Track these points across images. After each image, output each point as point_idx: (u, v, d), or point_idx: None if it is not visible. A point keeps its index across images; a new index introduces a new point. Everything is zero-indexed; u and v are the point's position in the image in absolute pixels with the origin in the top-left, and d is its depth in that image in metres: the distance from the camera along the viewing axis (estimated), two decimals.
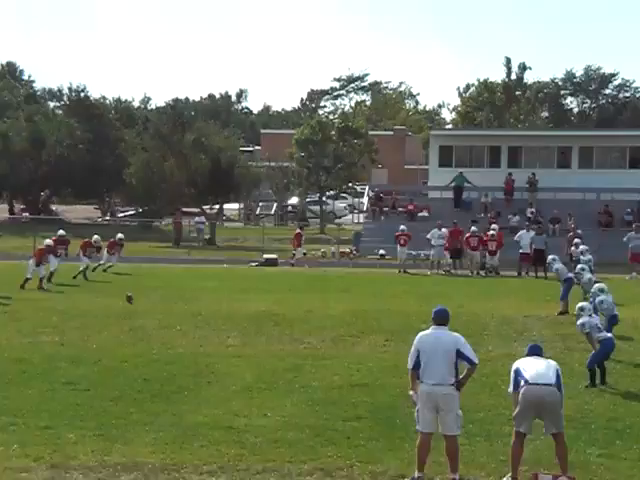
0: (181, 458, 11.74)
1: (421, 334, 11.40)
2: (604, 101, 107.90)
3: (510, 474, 11.04)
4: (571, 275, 26.16)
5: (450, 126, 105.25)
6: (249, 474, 11.16)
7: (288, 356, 18.78)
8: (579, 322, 17.00)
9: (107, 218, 68.56)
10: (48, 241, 31.71)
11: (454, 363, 11.04)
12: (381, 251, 44.16)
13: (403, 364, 11.69)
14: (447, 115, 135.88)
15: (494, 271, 37.59)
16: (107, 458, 11.72)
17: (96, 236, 35.30)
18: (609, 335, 16.94)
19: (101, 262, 35.51)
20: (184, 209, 59.86)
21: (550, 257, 26.95)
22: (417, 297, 28.26)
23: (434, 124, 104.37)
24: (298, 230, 43.15)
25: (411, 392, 11.33)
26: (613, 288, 21.36)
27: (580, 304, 17.61)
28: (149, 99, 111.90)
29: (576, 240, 30.63)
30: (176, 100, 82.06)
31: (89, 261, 34.24)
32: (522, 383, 11.04)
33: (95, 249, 34.85)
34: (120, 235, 37.29)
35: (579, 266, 24.75)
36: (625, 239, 37.48)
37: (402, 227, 40.21)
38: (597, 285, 19.84)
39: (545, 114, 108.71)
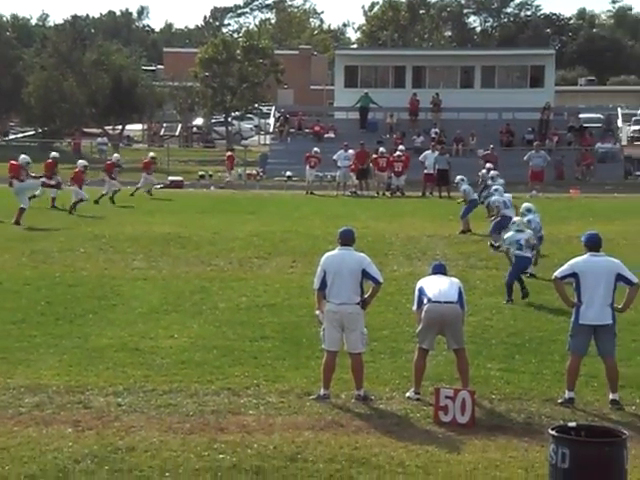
0: (86, 380, 11.68)
1: (327, 255, 11.47)
2: (506, 20, 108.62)
3: (413, 389, 11.28)
4: (475, 197, 26.58)
5: (355, 46, 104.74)
6: (155, 395, 11.16)
7: (195, 278, 18.74)
8: (504, 236, 17.45)
9: (4, 139, 66.81)
10: None
11: (359, 282, 11.16)
12: (288, 173, 44.11)
13: (309, 285, 11.76)
14: (352, 35, 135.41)
15: (399, 192, 37.92)
16: (10, 381, 11.60)
17: (116, 155, 35.68)
18: (526, 255, 17.26)
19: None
20: (86, 130, 58.70)
21: (459, 177, 27.23)
22: (324, 218, 28.38)
23: (339, 44, 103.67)
24: (229, 153, 42.83)
25: (317, 312, 11.43)
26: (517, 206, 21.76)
27: (514, 218, 18.28)
28: (47, 16, 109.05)
29: (488, 165, 30.91)
30: (75, 17, 79.80)
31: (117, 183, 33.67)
32: (425, 301, 11.23)
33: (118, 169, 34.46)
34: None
35: (494, 187, 24.92)
36: (525, 158, 38.10)
37: (315, 149, 40.04)
38: (525, 205, 20.07)
39: (448, 33, 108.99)
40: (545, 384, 11.81)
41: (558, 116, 51.52)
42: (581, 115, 54.03)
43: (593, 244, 11.25)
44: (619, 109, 56.46)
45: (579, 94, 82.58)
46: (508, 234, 17.42)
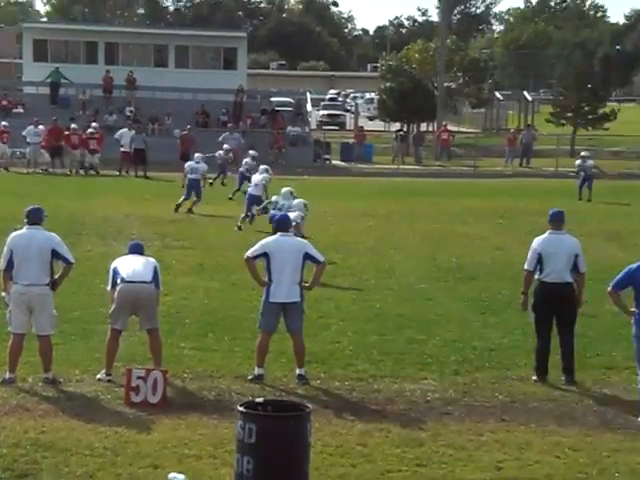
0: None
1: (14, 234, 11.09)
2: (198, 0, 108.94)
3: (104, 370, 11.16)
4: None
5: (45, 19, 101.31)
6: None
7: None
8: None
9: None
10: None
11: (49, 263, 10.89)
12: None
13: None
14: (41, 7, 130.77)
15: (94, 170, 37.21)
16: None
17: None
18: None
19: None
20: None
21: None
22: (13, 197, 27.25)
23: (27, 17, 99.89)
24: None
25: (3, 293, 11.05)
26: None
27: (273, 197, 19.57)
28: None
29: (251, 152, 31.00)
30: None
31: None
32: (119, 281, 11.12)
33: None
34: None
35: (262, 167, 25.08)
36: (220, 139, 38.56)
37: (4, 123, 38.47)
38: (285, 189, 20.41)
39: (141, 10, 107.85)
40: (237, 361, 12.06)
41: (251, 99, 52.46)
42: (273, 99, 55.35)
43: (281, 225, 11.68)
44: (308, 94, 58.39)
45: (271, 78, 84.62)
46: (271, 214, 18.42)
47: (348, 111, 71.83)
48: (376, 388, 11.25)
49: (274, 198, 20.32)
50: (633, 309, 10.43)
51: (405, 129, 54.72)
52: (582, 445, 9.40)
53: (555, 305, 11.58)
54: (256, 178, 24.02)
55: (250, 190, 23.74)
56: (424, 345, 13.11)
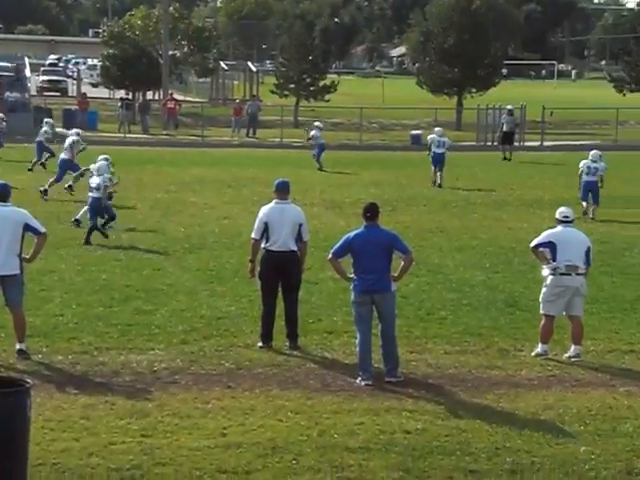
0: None
1: None
2: None
3: None
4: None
5: None
6: None
7: None
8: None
9: None
10: None
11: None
12: None
13: None
14: None
15: None
16: None
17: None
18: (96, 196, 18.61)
19: None
20: None
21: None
22: None
23: None
24: None
25: None
26: None
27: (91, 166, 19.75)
28: None
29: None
30: None
31: None
32: None
33: None
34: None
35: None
36: None
37: None
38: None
39: None
40: None
41: None
42: None
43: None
44: (27, 59, 56.26)
45: None
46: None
47: (70, 77, 69.87)
48: (101, 361, 11.08)
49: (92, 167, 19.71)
50: (351, 275, 10.84)
51: (130, 97, 53.92)
52: (304, 408, 9.69)
53: (280, 272, 11.83)
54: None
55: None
56: (152, 315, 13.03)
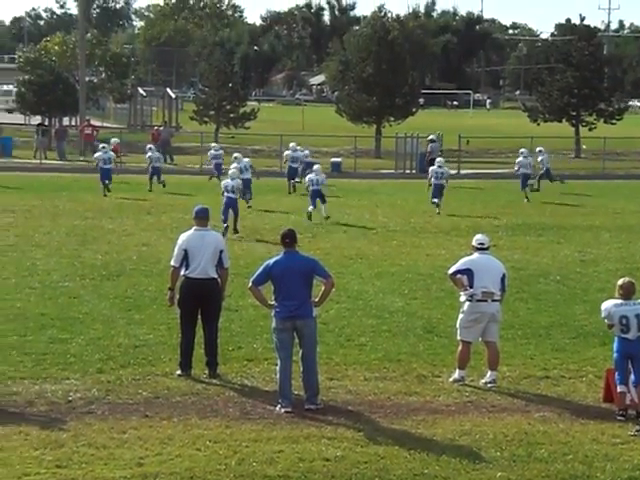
0: None
1: None
2: None
3: None
4: None
5: None
6: None
7: None
8: None
9: None
10: None
11: None
12: None
13: None
14: None
15: None
16: None
17: None
18: None
19: None
20: None
21: None
22: None
23: None
24: None
25: None
26: None
27: None
28: None
29: None
30: None
31: None
32: None
33: None
34: None
35: None
36: None
37: None
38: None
39: None
40: None
41: None
42: None
43: None
44: None
45: None
46: None
47: None
48: (15, 390, 10.87)
49: None
50: (272, 302, 10.82)
51: (47, 123, 53.25)
52: (222, 437, 9.61)
53: (200, 300, 11.74)
54: None
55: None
56: (67, 344, 12.83)
